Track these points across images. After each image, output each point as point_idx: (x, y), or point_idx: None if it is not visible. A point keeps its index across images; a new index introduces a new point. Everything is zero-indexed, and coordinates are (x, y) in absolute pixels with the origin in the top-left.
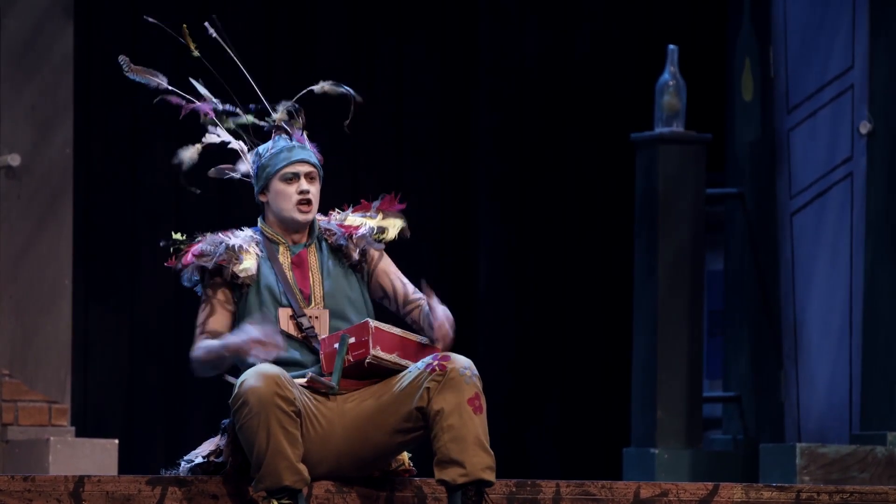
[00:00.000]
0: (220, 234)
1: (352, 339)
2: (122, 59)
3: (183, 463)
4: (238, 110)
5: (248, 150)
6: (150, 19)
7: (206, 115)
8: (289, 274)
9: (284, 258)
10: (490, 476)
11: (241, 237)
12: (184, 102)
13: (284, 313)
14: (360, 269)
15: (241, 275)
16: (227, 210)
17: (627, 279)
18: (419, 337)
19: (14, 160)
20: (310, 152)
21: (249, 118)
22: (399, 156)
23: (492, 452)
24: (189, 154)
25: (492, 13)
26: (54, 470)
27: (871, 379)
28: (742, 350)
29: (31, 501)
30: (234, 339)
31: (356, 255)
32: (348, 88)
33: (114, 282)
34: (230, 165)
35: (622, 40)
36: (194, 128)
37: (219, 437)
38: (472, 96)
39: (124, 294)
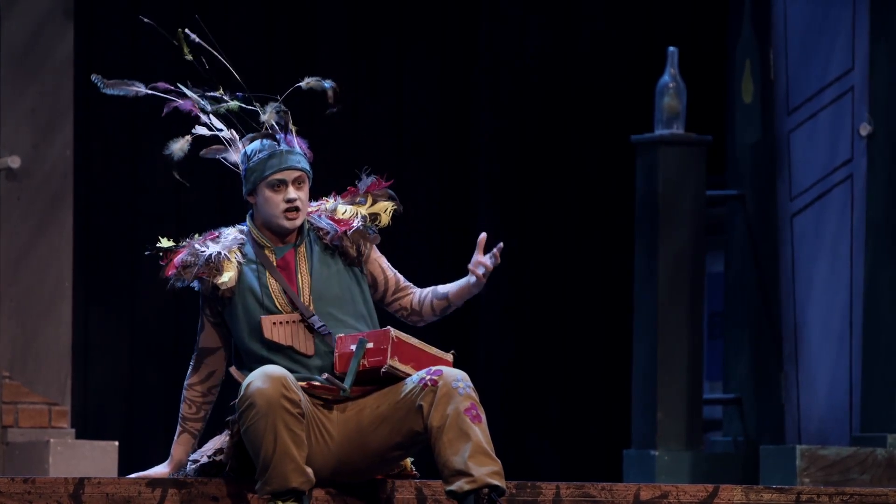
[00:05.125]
0: (203, 239)
1: (370, 345)
2: (95, 77)
3: (189, 463)
4: (225, 96)
5: (240, 138)
6: (146, 20)
7: (189, 112)
8: (274, 278)
9: (270, 261)
10: (498, 481)
11: (224, 242)
12: (169, 100)
13: (268, 321)
14: (358, 264)
15: (221, 287)
16: (227, 210)
17: (628, 281)
18: (437, 350)
19: (14, 162)
20: (298, 156)
21: (236, 104)
22: (399, 157)
23: (498, 460)
24: (179, 145)
25: (492, 14)
26: (54, 472)
27: (872, 381)
28: (742, 352)
29: (31, 503)
30: (169, 464)
31: (353, 252)
32: (332, 83)
33: (114, 284)
34: (223, 147)
35: (622, 42)
36: (192, 125)
37: (223, 434)
38: (472, 98)
39: (124, 296)
